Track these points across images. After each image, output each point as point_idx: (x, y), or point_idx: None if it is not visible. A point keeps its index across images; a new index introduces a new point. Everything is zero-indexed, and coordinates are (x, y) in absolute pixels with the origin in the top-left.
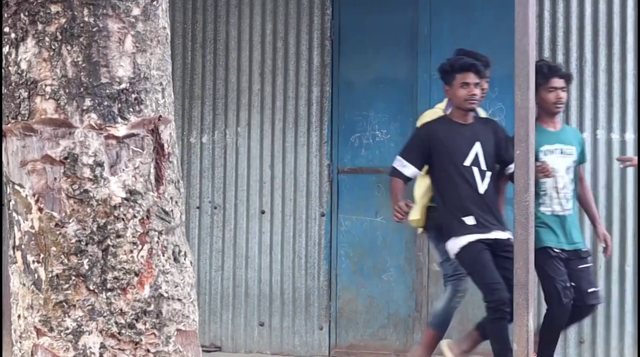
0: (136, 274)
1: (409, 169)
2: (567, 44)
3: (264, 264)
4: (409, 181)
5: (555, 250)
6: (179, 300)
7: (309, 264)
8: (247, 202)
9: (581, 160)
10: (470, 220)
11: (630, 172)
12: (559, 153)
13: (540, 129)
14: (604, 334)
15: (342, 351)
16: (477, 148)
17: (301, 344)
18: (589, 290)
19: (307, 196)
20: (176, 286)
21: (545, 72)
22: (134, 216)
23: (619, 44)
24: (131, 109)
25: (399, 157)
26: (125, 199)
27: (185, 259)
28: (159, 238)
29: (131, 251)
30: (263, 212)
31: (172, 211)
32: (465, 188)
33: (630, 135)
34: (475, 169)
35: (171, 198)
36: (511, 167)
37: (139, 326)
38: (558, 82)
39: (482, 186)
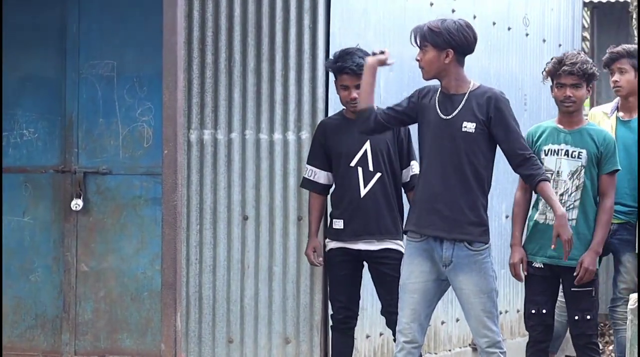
0: None
1: (320, 176)
2: (216, 44)
3: None
4: (327, 190)
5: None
6: None
7: None
8: None
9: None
10: (338, 224)
11: (278, 172)
12: (564, 154)
13: (553, 127)
14: (252, 334)
15: None
16: (367, 146)
17: None
18: (575, 317)
19: None
20: None
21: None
22: None
23: (267, 44)
24: None
25: (306, 165)
26: None
27: None
28: None
29: None
30: None
31: None
32: (345, 190)
33: (277, 136)
34: (360, 170)
35: None
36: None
37: None
38: (568, 78)
39: (365, 189)
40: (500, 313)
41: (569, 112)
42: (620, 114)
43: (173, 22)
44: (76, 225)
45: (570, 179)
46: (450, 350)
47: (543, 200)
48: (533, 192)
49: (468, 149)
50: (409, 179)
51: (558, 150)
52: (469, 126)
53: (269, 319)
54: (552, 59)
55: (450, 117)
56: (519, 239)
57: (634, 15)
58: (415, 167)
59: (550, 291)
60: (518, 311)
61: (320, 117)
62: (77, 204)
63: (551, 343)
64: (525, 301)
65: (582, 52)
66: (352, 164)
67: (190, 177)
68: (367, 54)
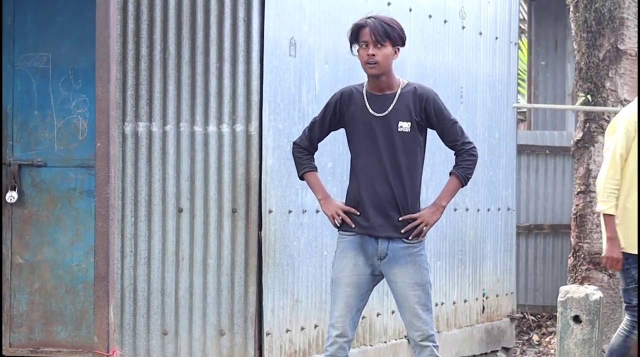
0: None
1: None
2: (151, 36)
3: None
4: None
5: None
6: None
7: None
8: None
9: None
10: None
11: (213, 165)
12: None
13: None
14: (187, 325)
15: None
16: None
17: None
18: None
19: None
20: None
21: None
22: None
23: (202, 37)
24: None
25: None
26: None
27: None
28: None
29: None
30: None
31: None
32: None
33: (212, 128)
34: None
35: None
36: None
37: None
38: None
39: None
40: (436, 305)
41: None
42: None
43: (106, 16)
44: (11, 217)
45: None
46: (385, 342)
47: None
48: None
49: (405, 148)
50: None
51: None
52: (405, 126)
53: (203, 311)
54: None
55: (383, 114)
56: None
57: (571, 8)
58: None
59: None
60: (454, 303)
61: (255, 110)
62: (11, 196)
63: None
64: None
65: None
66: None
67: (125, 169)
68: None
